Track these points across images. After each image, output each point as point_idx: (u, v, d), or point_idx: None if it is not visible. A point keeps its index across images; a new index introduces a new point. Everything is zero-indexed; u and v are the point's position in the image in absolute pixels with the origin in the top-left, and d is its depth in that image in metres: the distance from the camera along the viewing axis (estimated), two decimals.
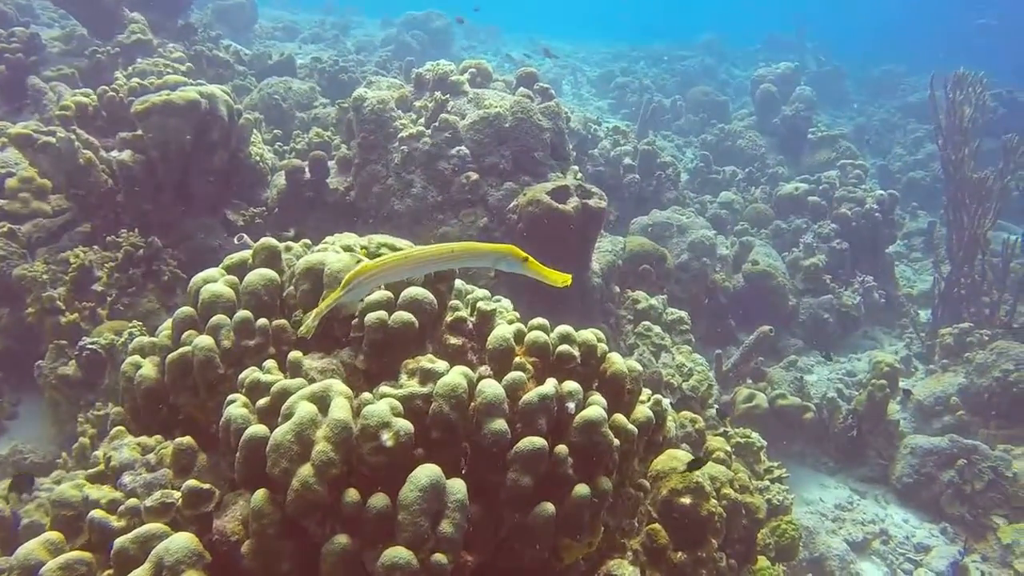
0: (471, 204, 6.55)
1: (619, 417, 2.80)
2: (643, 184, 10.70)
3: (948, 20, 37.67)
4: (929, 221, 13.60)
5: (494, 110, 6.79)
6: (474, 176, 6.54)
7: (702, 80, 22.09)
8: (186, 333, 2.87)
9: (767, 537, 4.60)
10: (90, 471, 2.78)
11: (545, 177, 6.81)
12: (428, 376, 2.56)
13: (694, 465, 3.41)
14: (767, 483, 5.43)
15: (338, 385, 2.44)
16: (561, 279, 2.43)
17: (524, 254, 2.41)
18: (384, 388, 2.56)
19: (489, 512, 2.51)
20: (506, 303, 3.69)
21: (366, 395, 2.53)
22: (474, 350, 3.05)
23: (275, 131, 9.96)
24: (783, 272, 9.78)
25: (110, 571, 2.33)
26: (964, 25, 33.69)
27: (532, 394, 2.52)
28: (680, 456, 3.49)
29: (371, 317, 2.74)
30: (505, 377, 2.60)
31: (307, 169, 7.01)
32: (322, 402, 2.37)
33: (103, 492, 2.60)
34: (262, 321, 2.82)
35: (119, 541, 2.30)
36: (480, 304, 3.16)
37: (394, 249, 3.09)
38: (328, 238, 3.37)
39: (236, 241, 6.48)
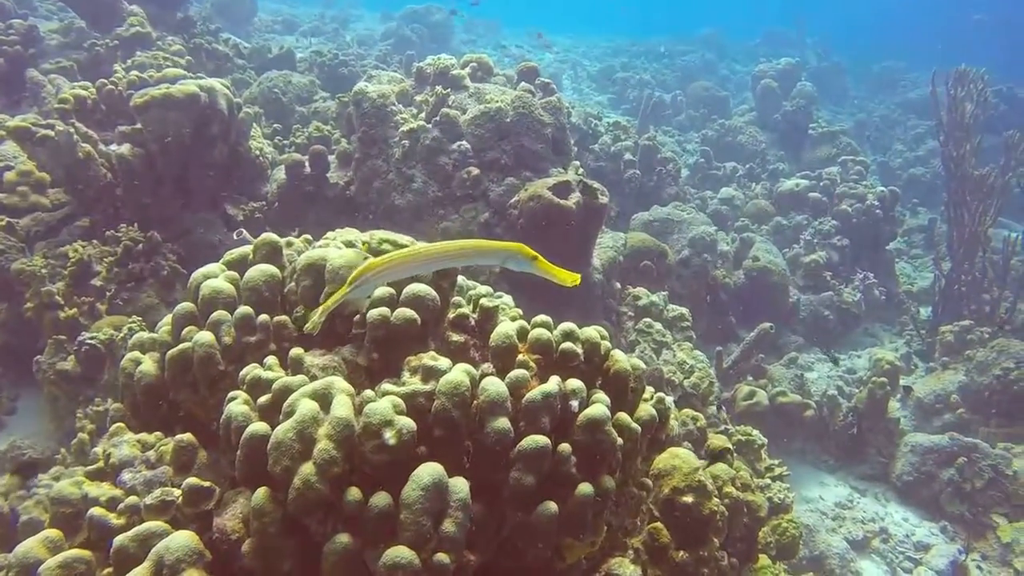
0: (472, 199, 6.52)
1: (622, 415, 2.78)
2: (644, 180, 10.67)
3: (944, 16, 37.70)
4: (930, 218, 13.58)
5: (495, 105, 6.76)
6: (475, 171, 6.50)
7: (702, 75, 22.05)
8: (186, 329, 2.85)
9: (768, 535, 4.59)
10: (89, 468, 2.76)
11: (546, 172, 6.78)
12: (431, 373, 2.54)
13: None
14: (768, 481, 5.42)
15: (340, 382, 2.42)
16: (570, 279, 2.40)
17: (533, 253, 2.38)
18: (386, 385, 2.54)
19: (492, 511, 2.49)
20: (508, 299, 3.67)
21: (368, 392, 2.50)
22: (476, 347, 3.03)
23: (275, 125, 9.91)
24: (784, 269, 9.76)
25: (109, 569, 2.31)
26: (960, 21, 33.69)
27: (535, 392, 2.50)
28: (682, 454, 3.47)
29: (373, 313, 2.72)
30: (508, 375, 2.58)
31: (307, 163, 6.98)
32: (324, 399, 2.35)
33: (102, 489, 2.58)
34: (263, 317, 2.80)
35: (119, 539, 2.29)
36: (483, 301, 3.14)
37: (396, 245, 3.07)
38: (329, 233, 3.35)
39: (235, 236, 6.45)
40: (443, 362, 2.59)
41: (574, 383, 2.61)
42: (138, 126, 6.18)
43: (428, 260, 2.38)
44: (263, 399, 2.46)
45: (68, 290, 5.54)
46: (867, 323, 10.40)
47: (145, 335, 3.12)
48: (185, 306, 2.92)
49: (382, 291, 2.77)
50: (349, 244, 3.14)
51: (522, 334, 2.80)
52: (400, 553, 2.14)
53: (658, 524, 3.27)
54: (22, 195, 6.08)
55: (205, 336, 2.72)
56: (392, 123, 6.87)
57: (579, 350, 2.78)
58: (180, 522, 2.43)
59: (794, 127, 15.56)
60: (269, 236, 3.08)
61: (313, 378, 2.56)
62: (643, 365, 3.06)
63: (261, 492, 2.24)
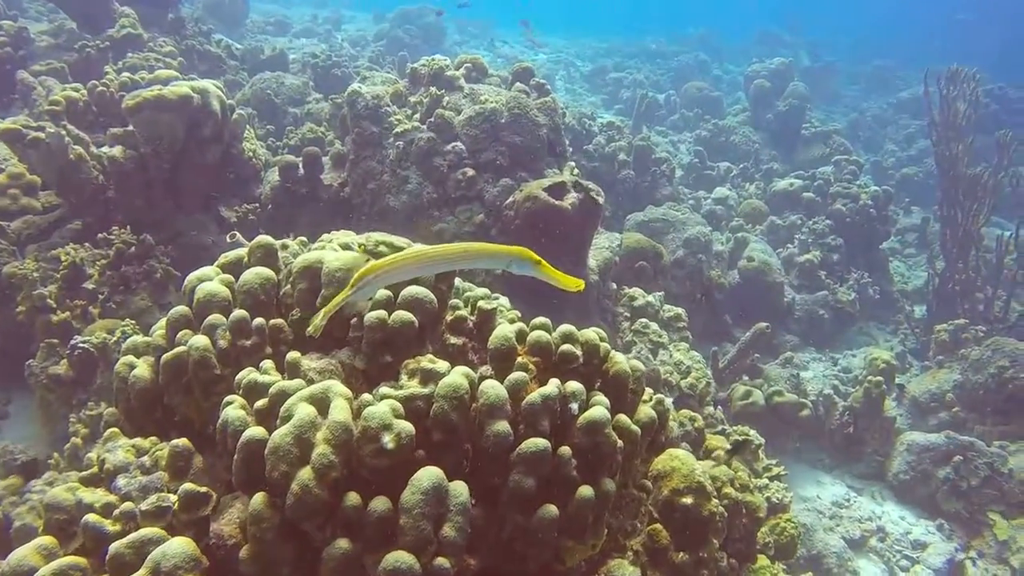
0: (467, 200, 6.49)
1: (622, 417, 2.76)
2: (638, 180, 10.67)
3: (925, 15, 38.01)
4: (923, 217, 13.62)
5: (490, 105, 6.74)
6: (470, 172, 6.48)
7: (696, 75, 22.08)
8: (181, 333, 2.82)
9: (767, 535, 4.58)
10: (83, 473, 2.73)
11: (542, 173, 6.77)
12: (429, 377, 2.52)
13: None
14: (766, 481, 5.41)
15: (337, 386, 2.39)
16: (574, 284, 2.38)
17: (537, 257, 2.36)
18: (384, 389, 2.52)
19: (491, 515, 2.47)
20: (504, 301, 3.65)
21: (366, 396, 2.48)
22: (475, 349, 3.01)
23: (268, 126, 9.87)
24: (778, 268, 9.77)
25: None
26: (944, 21, 34.00)
27: (535, 395, 2.49)
28: (680, 456, 3.45)
29: (370, 316, 2.70)
30: (507, 377, 2.56)
31: (301, 165, 6.94)
32: (321, 404, 2.32)
33: (97, 495, 2.55)
34: (259, 320, 2.77)
35: (114, 546, 2.25)
36: (481, 303, 3.12)
37: (393, 247, 3.05)
38: (325, 235, 3.32)
39: (229, 239, 6.41)
40: (441, 365, 2.57)
41: (574, 385, 2.60)
42: (130, 128, 6.14)
43: (432, 262, 2.36)
44: (260, 403, 2.44)
45: (60, 293, 5.50)
46: (862, 322, 10.42)
47: (139, 339, 3.09)
48: (180, 309, 2.89)
49: (379, 293, 2.75)
50: (345, 246, 3.11)
51: (521, 336, 2.78)
52: (400, 558, 2.11)
53: (657, 526, 3.25)
54: (13, 198, 6.03)
55: (200, 340, 2.69)
56: (386, 124, 6.84)
57: (578, 352, 2.76)
58: (176, 528, 2.40)
59: (787, 127, 15.60)
60: (264, 238, 3.05)
61: (310, 382, 2.54)
62: (642, 367, 3.04)
63: (259, 497, 2.22)
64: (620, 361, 2.86)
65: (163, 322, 2.98)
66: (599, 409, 2.58)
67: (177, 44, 10.29)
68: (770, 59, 17.97)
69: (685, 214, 9.56)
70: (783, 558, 4.61)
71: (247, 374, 2.56)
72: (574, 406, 2.56)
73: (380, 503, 2.20)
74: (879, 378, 7.65)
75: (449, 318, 3.04)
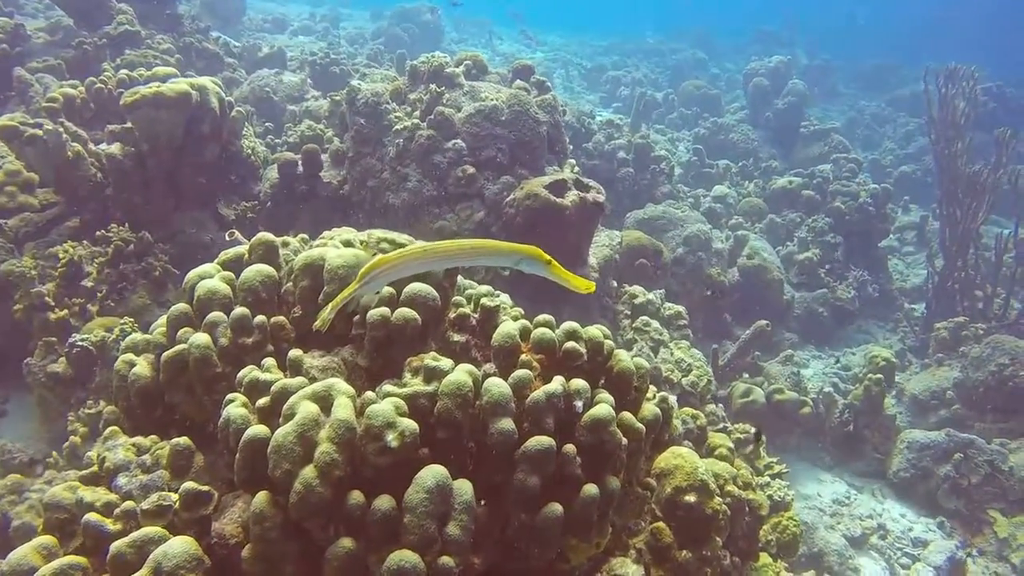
0: (467, 198, 6.47)
1: (627, 415, 2.74)
2: (637, 178, 10.64)
3: (919, 15, 38.11)
4: (921, 215, 13.63)
5: (490, 103, 6.71)
6: (470, 169, 6.46)
7: (694, 73, 22.07)
8: (182, 330, 2.80)
9: (769, 533, 4.57)
10: (83, 472, 2.71)
11: (542, 171, 6.74)
12: (433, 374, 2.50)
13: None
14: (768, 479, 5.40)
15: (340, 384, 2.37)
16: (584, 285, 2.35)
17: (548, 257, 2.33)
18: (388, 387, 2.50)
19: (496, 513, 2.46)
20: (505, 298, 3.64)
21: (369, 394, 2.46)
22: (478, 347, 2.99)
23: (266, 124, 9.83)
24: (778, 266, 9.76)
25: None
26: (931, 19, 34.06)
27: (539, 392, 2.47)
28: (684, 454, 3.43)
29: (373, 314, 2.68)
30: (511, 375, 2.54)
31: (300, 162, 6.91)
32: (324, 402, 2.30)
33: (97, 494, 2.53)
34: (260, 318, 2.75)
35: (115, 545, 2.23)
36: (484, 300, 3.10)
37: (395, 244, 3.02)
38: (326, 232, 3.30)
39: (228, 237, 6.37)
40: (445, 362, 2.55)
41: (578, 383, 2.58)
42: (128, 125, 6.10)
43: (440, 258, 2.33)
44: (262, 402, 2.42)
45: (58, 291, 5.47)
46: (861, 320, 10.41)
47: (139, 336, 3.06)
48: (180, 307, 2.86)
49: (382, 291, 2.73)
50: (347, 243, 3.09)
51: (524, 334, 2.76)
52: (404, 557, 2.10)
53: (660, 524, 3.24)
54: (10, 195, 5.99)
55: (201, 337, 2.67)
56: (386, 121, 6.81)
57: (583, 349, 2.74)
58: (178, 527, 2.38)
59: (785, 125, 15.59)
60: (265, 236, 3.03)
61: (312, 380, 2.51)
62: (646, 364, 3.02)
63: (261, 496, 2.20)
64: (624, 359, 2.85)
65: (163, 320, 2.95)
66: (604, 407, 2.57)
67: (175, 41, 10.24)
68: (768, 57, 17.96)
69: (685, 212, 9.55)
70: (785, 556, 4.60)
71: (249, 372, 2.54)
72: (579, 404, 2.54)
73: (384, 502, 2.18)
74: (879, 376, 7.64)
75: (452, 315, 3.02)
